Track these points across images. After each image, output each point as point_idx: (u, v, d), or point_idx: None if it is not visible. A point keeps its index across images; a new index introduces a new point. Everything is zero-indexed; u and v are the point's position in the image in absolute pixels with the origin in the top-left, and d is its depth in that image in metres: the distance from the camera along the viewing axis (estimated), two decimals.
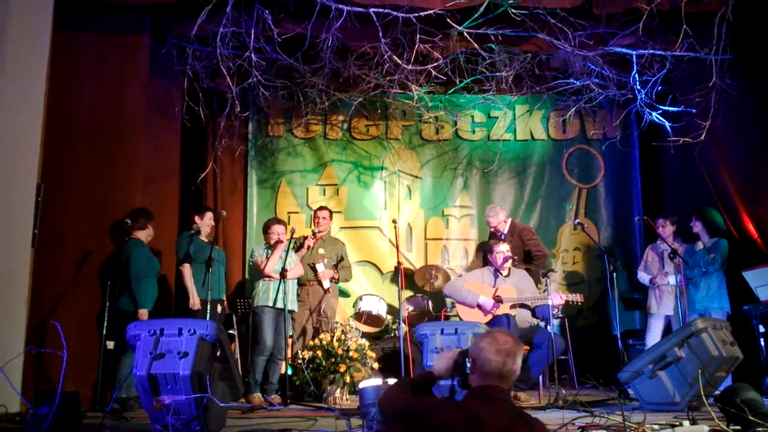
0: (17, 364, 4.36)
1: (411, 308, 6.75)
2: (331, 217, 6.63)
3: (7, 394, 4.12)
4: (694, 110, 6.33)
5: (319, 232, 6.42)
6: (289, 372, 5.62)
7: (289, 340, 5.89)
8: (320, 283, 6.24)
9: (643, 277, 6.45)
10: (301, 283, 6.24)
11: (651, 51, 6.25)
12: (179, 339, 3.32)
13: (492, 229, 6.63)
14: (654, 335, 6.15)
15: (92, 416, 4.33)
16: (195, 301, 5.58)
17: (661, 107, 6.70)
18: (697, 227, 6.23)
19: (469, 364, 2.32)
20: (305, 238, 6.40)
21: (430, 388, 2.52)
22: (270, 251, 5.85)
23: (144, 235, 5.57)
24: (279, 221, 6.07)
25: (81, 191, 5.59)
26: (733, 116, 6.30)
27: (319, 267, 6.20)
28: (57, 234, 5.27)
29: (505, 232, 6.52)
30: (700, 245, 6.17)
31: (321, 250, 6.35)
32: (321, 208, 6.63)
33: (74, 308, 5.35)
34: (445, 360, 2.49)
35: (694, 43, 5.87)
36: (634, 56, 6.40)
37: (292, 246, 6.04)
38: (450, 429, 2.06)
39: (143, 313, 5.28)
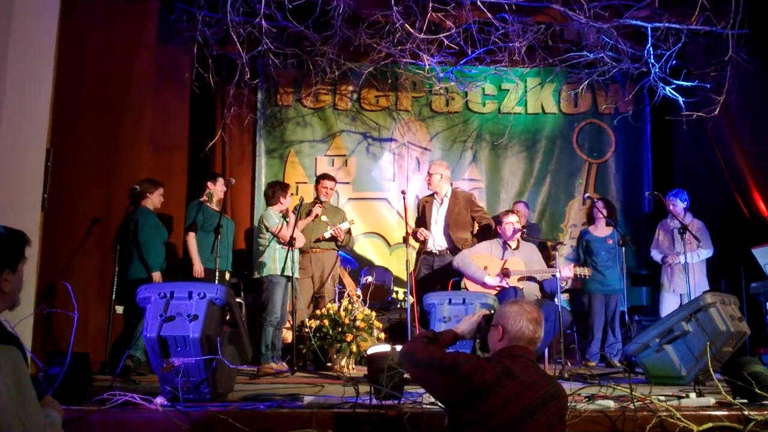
0: (27, 325, 4.37)
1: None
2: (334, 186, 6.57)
3: None
4: (708, 85, 6.24)
5: (324, 201, 6.37)
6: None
7: (299, 310, 5.90)
8: (335, 240, 6.29)
9: (656, 255, 6.43)
10: (303, 251, 6.20)
11: (666, 24, 6.17)
12: (189, 302, 3.32)
13: (432, 186, 6.18)
14: (667, 312, 6.12)
15: (101, 379, 4.37)
16: (198, 269, 5.61)
17: (674, 82, 6.63)
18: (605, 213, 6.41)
19: (492, 329, 2.46)
20: (314, 205, 6.34)
21: (449, 346, 2.64)
22: (284, 218, 5.85)
23: (151, 203, 5.58)
24: (288, 192, 6.04)
25: (90, 157, 5.57)
26: (747, 92, 6.24)
27: (344, 225, 6.22)
28: (66, 199, 5.26)
29: (448, 195, 6.19)
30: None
31: (324, 218, 6.33)
32: (328, 177, 6.45)
33: (83, 273, 5.38)
34: (469, 322, 2.66)
35: (710, 17, 5.79)
36: (649, 29, 6.32)
37: (300, 213, 6.02)
38: (484, 378, 2.21)
39: (156, 275, 5.33)
